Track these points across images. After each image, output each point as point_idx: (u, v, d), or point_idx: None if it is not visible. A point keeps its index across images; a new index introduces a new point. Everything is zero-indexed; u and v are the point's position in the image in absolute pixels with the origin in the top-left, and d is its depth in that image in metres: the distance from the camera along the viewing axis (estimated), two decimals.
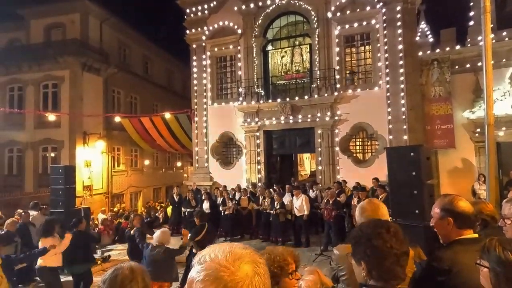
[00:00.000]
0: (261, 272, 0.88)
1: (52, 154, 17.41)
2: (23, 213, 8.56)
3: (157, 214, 15.58)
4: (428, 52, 12.30)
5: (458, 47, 12.02)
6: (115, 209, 16.64)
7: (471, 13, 11.90)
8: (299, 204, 9.99)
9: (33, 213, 8.71)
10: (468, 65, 11.75)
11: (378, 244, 1.39)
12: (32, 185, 17.14)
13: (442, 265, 1.82)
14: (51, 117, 14.61)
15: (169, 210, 14.96)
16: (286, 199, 10.47)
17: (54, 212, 8.66)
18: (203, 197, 11.85)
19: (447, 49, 12.00)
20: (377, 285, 1.38)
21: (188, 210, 11.73)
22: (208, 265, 0.87)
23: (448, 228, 1.95)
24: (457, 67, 11.96)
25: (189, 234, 6.24)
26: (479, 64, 10.98)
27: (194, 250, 6.42)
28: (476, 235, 1.95)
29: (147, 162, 21.80)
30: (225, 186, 12.65)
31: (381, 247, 1.38)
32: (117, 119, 16.57)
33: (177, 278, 5.70)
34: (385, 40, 12.07)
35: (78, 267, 6.23)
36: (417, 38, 12.35)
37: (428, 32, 13.17)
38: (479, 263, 1.55)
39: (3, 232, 7.30)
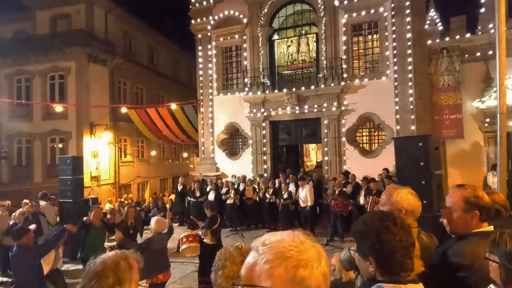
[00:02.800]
0: (325, 256, 0.89)
1: (60, 145, 17.57)
2: (34, 203, 8.69)
3: (166, 205, 15.70)
4: (438, 40, 12.08)
5: (468, 35, 11.78)
6: (122, 199, 16.82)
7: (482, 0, 11.62)
8: (304, 195, 9.99)
9: (42, 203, 8.82)
10: (478, 54, 11.52)
11: (388, 238, 1.36)
12: (41, 175, 17.38)
13: (463, 261, 1.77)
14: (58, 108, 14.70)
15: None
16: (291, 189, 10.52)
17: (63, 202, 8.77)
18: (208, 188, 11.93)
19: (457, 37, 11.77)
20: (388, 279, 1.34)
21: (192, 200, 11.81)
22: (274, 245, 0.86)
23: (471, 221, 1.87)
24: (467, 55, 11.74)
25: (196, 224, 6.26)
26: (490, 52, 10.84)
27: (206, 241, 6.40)
28: (492, 228, 1.89)
29: (153, 153, 21.93)
30: (233, 176, 12.74)
31: (390, 241, 1.35)
32: (124, 110, 16.61)
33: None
34: (393, 28, 11.85)
35: (97, 252, 6.22)
36: (426, 26, 12.11)
37: (438, 20, 12.89)
38: (489, 257, 1.51)
39: (10, 224, 7.41)
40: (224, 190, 11.71)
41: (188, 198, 12.05)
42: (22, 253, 4.54)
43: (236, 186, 11.88)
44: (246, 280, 0.86)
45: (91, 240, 6.22)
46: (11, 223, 7.43)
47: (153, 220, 5.37)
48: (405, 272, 1.35)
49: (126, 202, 16.24)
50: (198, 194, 11.80)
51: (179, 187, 12.98)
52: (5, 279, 7.47)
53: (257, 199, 11.50)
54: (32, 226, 5.25)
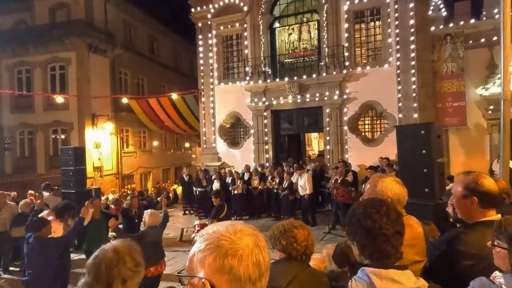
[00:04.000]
0: (262, 245, 0.90)
1: (62, 136, 17.60)
2: (37, 194, 8.76)
3: (169, 194, 15.79)
4: (441, 27, 11.86)
5: (472, 20, 11.57)
6: (125, 189, 16.93)
7: None
8: (302, 183, 10.02)
9: (45, 194, 8.89)
10: (482, 40, 11.33)
11: (367, 224, 1.40)
12: (44, 166, 17.47)
13: (470, 249, 1.76)
14: (59, 99, 14.68)
15: (179, 190, 15.18)
16: (295, 178, 10.55)
17: (65, 193, 8.83)
18: (213, 177, 11.99)
19: (461, 23, 11.55)
20: (371, 264, 1.40)
21: (199, 189, 11.88)
22: (210, 236, 0.89)
23: (471, 208, 1.86)
24: (471, 42, 11.54)
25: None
26: (495, 38, 10.65)
27: None
28: (499, 216, 1.85)
29: (155, 143, 21.95)
30: (232, 167, 12.80)
31: (370, 228, 1.40)
32: (125, 100, 16.58)
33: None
34: (396, 15, 11.68)
35: (99, 244, 6.19)
36: (430, 12, 11.89)
37: (442, 6, 12.64)
38: (496, 244, 1.48)
39: (17, 214, 7.50)
40: (229, 179, 11.75)
41: (194, 188, 12.11)
42: (39, 245, 4.42)
43: (240, 176, 11.93)
44: (188, 271, 0.90)
45: (91, 233, 6.18)
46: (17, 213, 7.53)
47: (146, 214, 5.16)
48: (388, 259, 1.39)
49: (128, 192, 16.33)
50: (204, 183, 11.87)
51: (186, 177, 13.02)
52: (10, 268, 7.59)
53: (263, 188, 11.55)
54: (51, 218, 5.24)
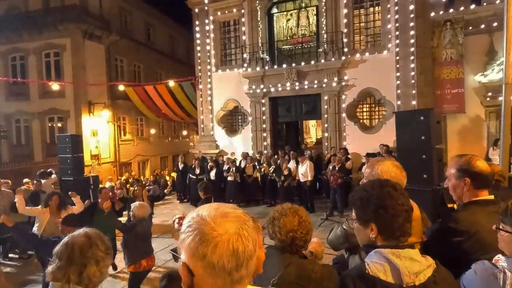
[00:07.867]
0: (244, 234, 0.86)
1: (59, 124, 17.48)
2: (35, 181, 8.74)
3: (167, 182, 15.79)
4: (441, 12, 11.71)
5: (473, 6, 11.43)
6: (123, 178, 16.91)
7: None
8: (303, 170, 10.05)
9: (42, 181, 8.86)
10: (482, 26, 11.21)
11: (390, 203, 1.37)
12: (41, 154, 17.38)
13: (459, 226, 1.81)
14: (55, 86, 14.50)
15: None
16: (290, 165, 10.59)
17: (64, 180, 8.80)
18: (209, 166, 11.98)
19: (461, 8, 11.42)
20: (389, 244, 1.37)
21: (192, 177, 11.91)
22: (192, 219, 0.88)
23: (464, 188, 1.91)
24: (471, 28, 11.43)
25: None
26: (495, 24, 10.56)
27: None
28: (492, 196, 1.91)
29: (153, 131, 21.85)
30: (232, 153, 12.79)
31: (393, 206, 1.37)
32: (121, 87, 16.41)
33: None
34: (396, 0, 11.52)
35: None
36: None
37: None
38: (500, 227, 1.47)
39: (15, 201, 7.48)
40: (225, 167, 11.77)
41: (190, 175, 12.16)
42: None
43: (238, 164, 11.94)
44: (179, 250, 0.91)
45: (97, 223, 5.74)
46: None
47: (134, 206, 4.84)
48: (404, 237, 1.39)
49: (130, 180, 16.31)
50: (198, 171, 11.88)
51: (180, 166, 13.05)
52: (11, 255, 7.62)
53: (258, 176, 11.58)
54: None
